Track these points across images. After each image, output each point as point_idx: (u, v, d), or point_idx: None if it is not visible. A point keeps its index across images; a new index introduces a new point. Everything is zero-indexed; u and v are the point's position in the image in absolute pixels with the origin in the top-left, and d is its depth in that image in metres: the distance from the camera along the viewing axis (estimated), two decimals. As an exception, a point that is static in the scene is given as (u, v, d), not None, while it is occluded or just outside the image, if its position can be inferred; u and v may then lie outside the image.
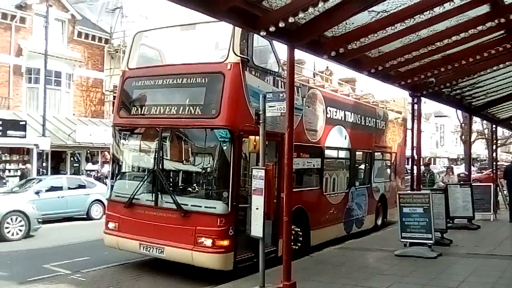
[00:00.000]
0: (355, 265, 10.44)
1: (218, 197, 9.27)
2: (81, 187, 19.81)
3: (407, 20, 7.62)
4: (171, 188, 9.85)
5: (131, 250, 10.30)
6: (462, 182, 18.46)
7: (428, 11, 7.31)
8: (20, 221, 14.63)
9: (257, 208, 8.23)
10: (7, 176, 24.62)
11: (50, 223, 16.72)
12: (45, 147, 24.71)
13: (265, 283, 8.26)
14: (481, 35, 8.69)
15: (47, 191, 18.21)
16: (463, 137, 45.49)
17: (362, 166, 15.85)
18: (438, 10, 7.20)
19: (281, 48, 8.81)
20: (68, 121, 28.38)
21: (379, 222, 16.43)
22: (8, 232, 14.36)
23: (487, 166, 45.03)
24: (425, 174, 17.75)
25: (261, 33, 7.44)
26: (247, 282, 8.82)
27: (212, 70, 9.72)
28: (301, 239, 11.18)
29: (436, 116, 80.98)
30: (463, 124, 41.36)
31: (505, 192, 19.55)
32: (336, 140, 13.33)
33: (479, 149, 72.18)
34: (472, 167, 30.09)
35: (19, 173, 24.82)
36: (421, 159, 14.67)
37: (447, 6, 7.04)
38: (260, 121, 8.56)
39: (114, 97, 21.15)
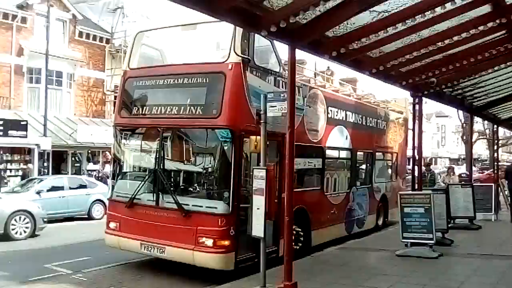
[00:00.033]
0: (356, 265, 10.44)
1: (219, 197, 9.28)
2: (82, 187, 19.83)
3: (408, 20, 7.61)
4: (172, 188, 9.85)
5: (132, 250, 10.30)
6: (463, 182, 18.46)
7: (430, 11, 7.29)
8: (26, 220, 14.74)
9: (258, 208, 8.22)
10: (8, 176, 24.63)
11: (52, 223, 16.70)
12: (46, 147, 24.72)
13: (266, 283, 8.25)
14: (482, 35, 8.67)
15: (48, 191, 18.24)
16: (464, 137, 45.52)
17: (363, 166, 15.85)
18: (439, 10, 7.19)
19: (282, 48, 8.82)
20: (69, 121, 28.38)
21: (380, 222, 16.43)
22: (14, 232, 14.48)
23: (488, 166, 45.01)
24: (426, 174, 17.72)
25: (262, 33, 7.43)
26: (248, 282, 8.81)
27: (213, 70, 9.72)
28: (302, 239, 11.19)
29: (437, 116, 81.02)
30: (464, 124, 41.39)
31: (506, 192, 19.55)
32: (337, 140, 13.32)
33: (480, 149, 72.10)
34: (473, 167, 30.04)
35: (20, 173, 24.83)
36: (422, 159, 14.64)
37: (449, 6, 7.03)
38: (261, 121, 8.55)
39: (115, 97, 21.14)
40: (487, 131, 43.92)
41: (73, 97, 29.70)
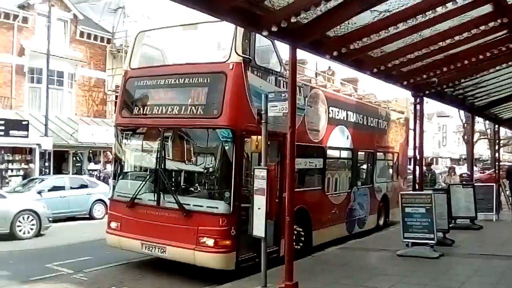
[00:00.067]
0: (357, 265, 10.43)
1: (220, 197, 9.28)
2: (84, 187, 19.84)
3: (410, 20, 7.61)
4: (173, 188, 9.87)
5: (133, 249, 10.30)
6: (464, 183, 18.44)
7: (431, 11, 7.29)
8: (32, 220, 14.87)
9: (259, 208, 8.22)
10: (10, 176, 24.62)
11: (53, 222, 16.68)
12: (48, 146, 24.72)
13: (267, 283, 8.25)
14: (483, 35, 8.67)
15: (49, 190, 18.26)
16: (465, 137, 45.39)
17: (364, 166, 15.85)
18: (440, 10, 7.18)
19: (283, 48, 8.82)
20: (70, 121, 28.38)
21: (381, 222, 16.43)
22: (20, 231, 14.60)
23: (489, 167, 44.96)
24: (426, 174, 17.70)
25: (263, 33, 7.43)
26: (249, 282, 8.81)
27: (214, 70, 9.72)
28: (303, 239, 11.18)
29: (438, 116, 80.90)
30: (465, 124, 41.29)
31: (507, 192, 19.56)
32: (338, 140, 13.32)
33: (482, 149, 72.01)
34: (474, 167, 30.01)
35: (21, 172, 24.82)
36: (423, 159, 14.62)
37: (450, 6, 7.03)
38: (262, 121, 8.55)
39: (116, 97, 21.16)
40: (489, 131, 43.85)
41: (74, 97, 29.70)
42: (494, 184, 17.90)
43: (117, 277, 9.97)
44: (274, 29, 7.14)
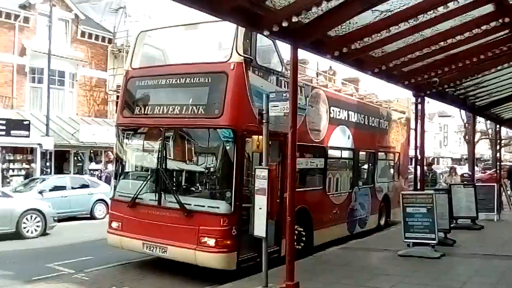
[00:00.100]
0: (358, 265, 10.43)
1: (221, 197, 9.27)
2: (85, 187, 19.84)
3: (411, 20, 7.61)
4: (174, 188, 9.88)
5: (135, 249, 10.30)
6: (465, 182, 18.43)
7: (432, 11, 7.28)
8: (37, 219, 15.00)
9: (260, 208, 8.22)
10: (11, 176, 24.64)
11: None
12: (49, 146, 24.74)
13: (268, 283, 8.25)
14: (485, 35, 8.66)
15: (50, 190, 18.27)
16: (466, 137, 45.37)
17: (366, 166, 15.84)
18: (442, 9, 7.18)
19: (285, 48, 8.81)
20: (71, 120, 28.42)
21: (383, 222, 16.41)
22: (26, 230, 14.71)
23: (490, 166, 44.95)
24: (427, 174, 17.70)
25: (265, 33, 7.43)
26: (250, 282, 8.81)
27: (215, 70, 9.71)
28: (304, 239, 11.17)
29: (439, 116, 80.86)
30: (466, 124, 41.27)
31: (508, 192, 19.55)
32: (340, 140, 13.31)
33: (483, 149, 72.01)
34: (476, 167, 30.00)
35: (22, 172, 24.85)
36: (425, 159, 14.62)
37: (451, 6, 7.02)
38: (263, 121, 8.54)
39: (118, 96, 21.16)
40: (490, 131, 43.81)
41: (76, 96, 29.73)
42: (495, 184, 17.88)
43: (118, 277, 9.97)
44: (275, 29, 7.13)
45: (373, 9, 7.32)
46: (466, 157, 60.47)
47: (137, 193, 10.07)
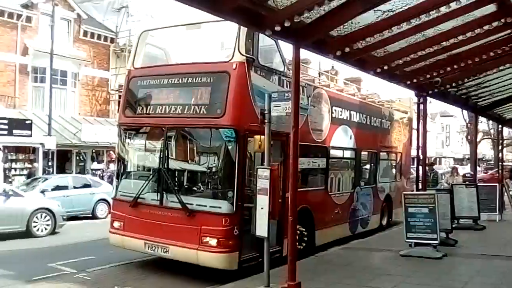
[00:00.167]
0: (360, 265, 10.43)
1: (223, 197, 9.27)
2: (87, 186, 19.88)
3: (413, 20, 7.59)
4: (176, 188, 9.87)
5: (136, 249, 10.31)
6: (467, 183, 18.41)
7: (434, 11, 7.27)
8: (47, 218, 15.20)
9: (262, 208, 8.22)
10: (13, 175, 24.68)
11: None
12: (51, 146, 24.78)
13: (270, 283, 8.24)
14: (487, 35, 8.65)
15: (52, 190, 18.31)
16: (468, 137, 45.38)
17: (368, 166, 15.83)
18: (444, 9, 7.17)
19: (287, 48, 8.81)
20: (73, 120, 28.46)
21: (384, 222, 16.40)
22: (36, 229, 14.88)
23: (493, 166, 44.92)
24: (429, 174, 17.68)
25: (267, 33, 7.43)
26: (252, 282, 8.81)
27: (217, 70, 9.71)
28: (306, 239, 11.17)
29: (441, 116, 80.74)
30: (469, 124, 41.28)
31: (510, 192, 19.49)
32: (342, 140, 13.31)
33: (485, 149, 71.93)
34: (478, 167, 29.97)
35: (25, 172, 24.89)
36: (427, 159, 14.61)
37: (453, 6, 7.01)
38: (266, 121, 8.55)
39: (120, 96, 21.20)
40: (492, 131, 43.81)
41: (78, 96, 29.78)
42: (497, 184, 17.86)
43: (120, 277, 9.98)
44: (277, 28, 7.14)
45: (375, 9, 7.32)
46: (468, 157, 60.47)
47: (139, 193, 10.07)
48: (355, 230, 14.20)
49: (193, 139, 10.15)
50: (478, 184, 17.36)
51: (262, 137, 8.87)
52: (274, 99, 8.56)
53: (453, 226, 12.97)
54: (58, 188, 18.67)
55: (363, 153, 15.01)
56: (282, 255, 9.61)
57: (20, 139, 24.03)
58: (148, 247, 9.89)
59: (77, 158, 28.49)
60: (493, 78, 12.37)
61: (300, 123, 8.46)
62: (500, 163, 23.66)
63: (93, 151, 28.95)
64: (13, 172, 24.89)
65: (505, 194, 19.57)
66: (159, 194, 9.88)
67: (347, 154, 14.05)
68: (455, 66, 10.52)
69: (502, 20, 7.87)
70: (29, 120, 24.91)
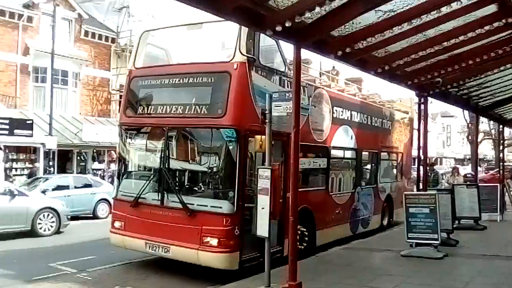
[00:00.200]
0: (361, 265, 10.42)
1: (224, 197, 9.27)
2: (88, 186, 19.89)
3: (414, 20, 7.59)
4: (177, 188, 9.87)
5: (137, 249, 10.32)
6: (468, 183, 18.39)
7: (435, 11, 7.27)
8: (52, 217, 15.30)
9: (263, 208, 8.22)
10: (14, 175, 24.69)
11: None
12: (52, 146, 24.80)
13: (270, 283, 8.24)
14: (488, 35, 8.64)
15: (53, 190, 18.30)
16: (469, 137, 45.35)
17: (368, 166, 15.83)
18: (445, 9, 7.16)
19: (288, 48, 8.81)
20: (74, 120, 28.47)
21: (385, 222, 16.39)
22: (41, 228, 14.98)
23: (494, 167, 44.88)
24: (429, 174, 17.65)
25: (268, 33, 7.43)
26: (252, 282, 8.81)
27: (218, 70, 9.72)
28: (307, 239, 11.18)
29: (442, 116, 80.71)
30: (470, 124, 41.24)
31: (512, 192, 19.48)
32: (342, 140, 13.31)
33: (486, 149, 71.85)
34: (479, 167, 29.96)
35: (25, 171, 24.90)
36: (428, 159, 14.60)
37: (454, 6, 7.00)
38: (266, 121, 8.55)
39: (121, 96, 21.20)
40: (493, 131, 43.75)
41: (79, 96, 29.79)
42: (498, 185, 17.85)
43: (120, 277, 9.98)
44: (278, 28, 7.14)
45: (376, 9, 7.31)
46: (469, 158, 60.44)
47: (140, 193, 10.07)
48: (356, 230, 14.20)
49: (194, 139, 10.15)
50: (479, 184, 17.35)
51: (263, 137, 8.87)
52: (275, 99, 8.56)
53: (454, 226, 12.97)
54: (59, 188, 18.65)
55: (364, 153, 15.00)
56: (283, 255, 9.61)
57: (21, 139, 24.04)
58: (149, 247, 9.89)
59: (78, 158, 28.50)
60: (494, 78, 12.36)
61: (301, 123, 8.46)
62: (501, 163, 23.63)
63: (94, 151, 28.97)
64: (14, 172, 24.89)
65: (506, 194, 19.56)
66: (160, 194, 9.89)
67: (348, 154, 14.05)
68: (456, 66, 10.51)
69: (503, 21, 7.86)
70: (30, 120, 24.91)
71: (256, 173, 8.82)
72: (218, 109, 9.40)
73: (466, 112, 35.40)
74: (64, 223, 15.61)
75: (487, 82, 12.94)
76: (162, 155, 10.00)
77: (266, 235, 8.24)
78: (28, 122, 24.68)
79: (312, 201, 11.45)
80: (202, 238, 9.14)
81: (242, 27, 9.09)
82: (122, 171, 11.25)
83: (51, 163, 25.15)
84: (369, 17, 7.62)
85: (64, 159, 27.70)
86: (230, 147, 9.24)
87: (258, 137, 9.32)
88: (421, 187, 13.35)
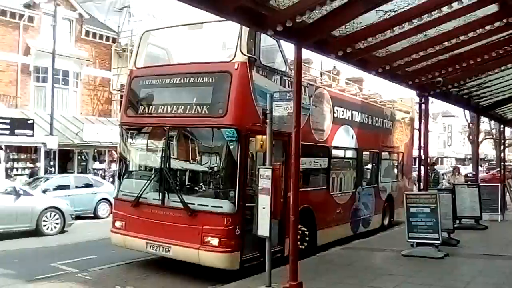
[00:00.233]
0: (361, 265, 10.42)
1: (225, 197, 9.28)
2: (88, 186, 19.90)
3: (415, 20, 7.59)
4: (178, 187, 9.87)
5: (138, 249, 10.32)
6: (469, 183, 18.40)
7: (436, 11, 7.27)
8: (56, 217, 15.41)
9: (263, 208, 8.22)
10: (15, 175, 24.70)
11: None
12: (53, 145, 24.83)
13: (271, 283, 8.25)
14: (489, 35, 8.63)
15: (54, 189, 18.35)
16: (470, 137, 45.35)
17: (369, 166, 15.83)
18: (446, 9, 7.16)
19: (289, 48, 8.82)
20: (75, 120, 28.49)
21: (386, 222, 16.39)
22: (45, 227, 15.08)
23: (494, 166, 44.87)
24: (430, 174, 17.63)
25: (269, 33, 7.43)
26: (253, 281, 8.82)
27: (219, 70, 9.72)
28: (307, 238, 11.17)
29: (443, 116, 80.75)
30: (470, 124, 41.25)
31: (512, 192, 19.48)
32: (343, 140, 13.31)
33: (487, 149, 71.83)
34: (480, 167, 29.95)
35: (26, 171, 24.92)
36: (428, 159, 14.60)
37: (455, 6, 7.00)
38: (267, 121, 8.55)
39: (122, 96, 21.21)
40: (494, 131, 43.76)
41: (80, 96, 29.81)
42: (499, 184, 17.85)
43: (121, 276, 9.99)
44: (279, 28, 7.13)
45: (377, 9, 7.30)
46: (470, 157, 60.43)
47: (141, 193, 10.07)
48: (357, 230, 14.19)
49: (194, 139, 10.16)
50: (480, 184, 17.35)
51: (264, 137, 8.89)
52: (276, 99, 8.57)
53: (455, 226, 12.99)
54: (60, 187, 18.69)
55: (364, 153, 15.00)
56: (284, 255, 9.60)
57: (22, 138, 24.07)
58: (150, 247, 9.90)
59: (79, 157, 28.53)
60: (495, 78, 12.35)
61: (302, 123, 8.45)
62: (502, 163, 23.63)
63: (95, 150, 28.99)
64: (14, 171, 24.92)
65: (507, 194, 19.57)
66: (161, 193, 9.89)
67: (349, 154, 14.05)
68: (457, 66, 10.51)
69: (504, 20, 7.86)
70: (31, 119, 24.94)
71: (257, 172, 8.82)
72: (219, 109, 9.40)
73: (467, 112, 35.42)
74: (68, 222, 15.70)
75: (488, 82, 12.94)
76: (163, 155, 10.00)
77: (267, 235, 8.24)
78: (29, 122, 24.71)
79: (313, 201, 11.45)
80: (203, 237, 9.14)
81: (243, 27, 9.10)
82: (123, 171, 11.25)
83: (52, 163, 25.18)
84: (370, 17, 7.62)
85: (65, 159, 27.72)
86: (231, 147, 9.24)
87: (259, 137, 9.33)
88: (422, 187, 13.34)
